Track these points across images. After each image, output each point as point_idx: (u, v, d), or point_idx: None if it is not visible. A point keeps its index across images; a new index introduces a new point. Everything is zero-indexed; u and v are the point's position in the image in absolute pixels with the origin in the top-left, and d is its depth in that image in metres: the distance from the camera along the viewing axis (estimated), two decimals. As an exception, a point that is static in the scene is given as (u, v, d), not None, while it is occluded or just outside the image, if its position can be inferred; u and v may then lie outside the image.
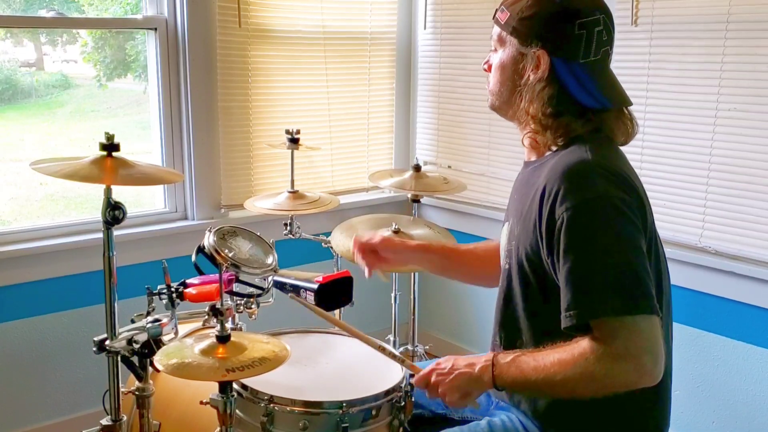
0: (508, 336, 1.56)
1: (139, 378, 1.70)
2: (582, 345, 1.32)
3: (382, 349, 1.60)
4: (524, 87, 1.47)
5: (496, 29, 1.53)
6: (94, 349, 1.63)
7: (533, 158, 1.56)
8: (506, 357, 1.41)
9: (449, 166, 3.38)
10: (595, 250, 1.32)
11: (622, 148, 1.53)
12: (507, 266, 1.55)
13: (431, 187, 2.72)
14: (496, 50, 1.54)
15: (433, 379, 1.47)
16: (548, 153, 1.50)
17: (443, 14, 3.33)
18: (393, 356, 1.58)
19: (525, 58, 1.46)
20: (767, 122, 2.32)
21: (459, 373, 1.44)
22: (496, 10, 1.53)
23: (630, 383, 1.31)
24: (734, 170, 2.41)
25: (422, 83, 3.47)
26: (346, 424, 1.50)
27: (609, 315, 1.29)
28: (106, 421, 1.67)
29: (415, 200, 2.77)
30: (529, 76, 1.45)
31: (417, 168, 2.66)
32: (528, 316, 1.50)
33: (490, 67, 1.56)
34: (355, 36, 3.30)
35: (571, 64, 1.43)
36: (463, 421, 1.66)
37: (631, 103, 1.51)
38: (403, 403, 1.59)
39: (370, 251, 1.78)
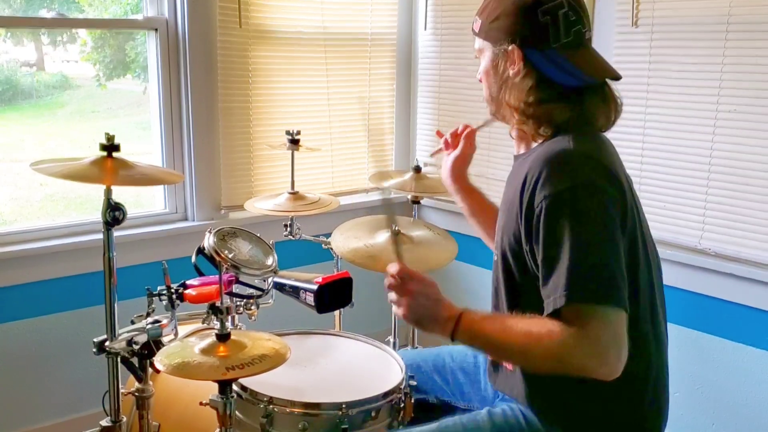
0: None
1: (139, 379, 1.70)
2: (556, 323, 1.32)
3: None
4: (505, 83, 1.50)
5: (476, 40, 1.57)
6: (94, 350, 1.64)
7: (522, 151, 1.59)
8: (474, 315, 1.42)
9: (449, 167, 3.37)
10: (570, 238, 1.32)
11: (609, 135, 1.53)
12: (495, 258, 1.57)
13: (431, 188, 2.70)
14: (480, 60, 1.58)
15: (407, 286, 1.45)
16: (535, 144, 1.52)
17: (444, 15, 3.33)
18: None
19: (500, 57, 1.50)
20: (767, 123, 2.32)
21: (427, 303, 1.44)
22: (472, 23, 1.57)
23: (588, 369, 1.31)
24: (734, 172, 2.41)
25: (422, 84, 3.47)
26: (346, 426, 1.51)
27: (580, 302, 1.30)
28: (105, 422, 1.67)
29: (415, 201, 2.76)
30: (508, 72, 1.49)
31: (417, 169, 2.65)
32: (510, 307, 1.51)
33: (481, 78, 1.60)
34: (355, 37, 3.30)
35: (545, 51, 1.45)
36: (465, 410, 1.66)
37: (618, 76, 1.50)
38: (402, 405, 1.60)
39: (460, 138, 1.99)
